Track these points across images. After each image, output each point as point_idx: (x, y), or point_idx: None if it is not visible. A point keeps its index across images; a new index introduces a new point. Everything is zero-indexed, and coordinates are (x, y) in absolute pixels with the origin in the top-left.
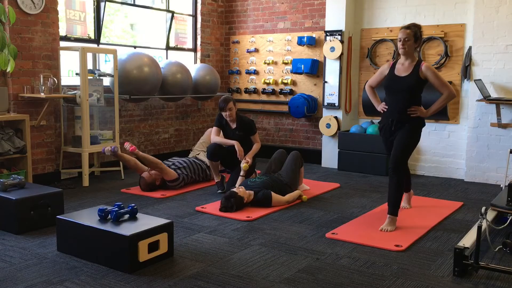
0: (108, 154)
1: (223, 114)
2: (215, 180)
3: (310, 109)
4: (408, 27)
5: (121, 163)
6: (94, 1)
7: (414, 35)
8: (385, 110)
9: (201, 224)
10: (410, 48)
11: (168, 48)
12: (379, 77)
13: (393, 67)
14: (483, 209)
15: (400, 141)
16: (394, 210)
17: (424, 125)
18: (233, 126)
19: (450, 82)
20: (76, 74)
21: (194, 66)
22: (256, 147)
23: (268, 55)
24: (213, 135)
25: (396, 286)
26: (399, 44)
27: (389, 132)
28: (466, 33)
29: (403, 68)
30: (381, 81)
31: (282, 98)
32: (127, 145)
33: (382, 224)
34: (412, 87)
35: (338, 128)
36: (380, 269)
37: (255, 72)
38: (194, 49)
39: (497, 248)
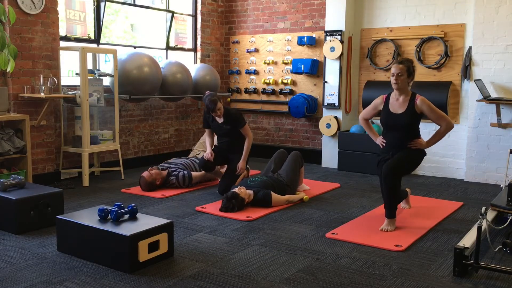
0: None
1: (213, 114)
2: (219, 180)
3: (310, 109)
4: (401, 62)
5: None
6: (94, 1)
7: (407, 70)
8: (384, 144)
9: (201, 224)
10: (403, 83)
11: (168, 48)
12: (373, 111)
13: (387, 102)
14: (483, 209)
15: (399, 155)
16: (391, 213)
17: (425, 154)
18: (220, 120)
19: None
20: (76, 74)
21: (194, 66)
22: (246, 145)
23: (268, 55)
24: (207, 137)
25: (396, 286)
26: (392, 79)
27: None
28: (466, 33)
29: (398, 104)
30: (374, 114)
31: (282, 98)
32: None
33: (382, 224)
34: (409, 124)
35: (338, 128)
36: (380, 269)
37: (255, 72)
38: (194, 49)
39: (497, 248)
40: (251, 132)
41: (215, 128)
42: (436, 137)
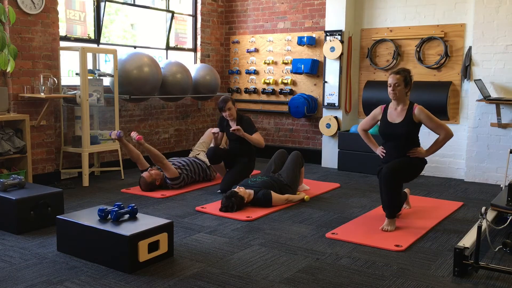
0: (113, 137)
1: (223, 114)
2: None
3: (310, 109)
4: (397, 72)
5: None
6: (94, 1)
7: (404, 79)
8: (384, 154)
9: (201, 224)
10: (400, 93)
11: (168, 48)
12: (372, 122)
13: (385, 112)
14: (483, 209)
15: (399, 159)
16: (391, 214)
17: (426, 162)
18: (233, 125)
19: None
20: (76, 74)
21: (194, 66)
22: (256, 136)
23: (268, 55)
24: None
25: (396, 286)
26: (390, 90)
27: None
28: (466, 33)
29: (396, 113)
30: (373, 124)
31: (282, 98)
32: (133, 134)
33: (382, 224)
34: (408, 133)
35: (338, 128)
36: (380, 269)
37: (255, 72)
38: (194, 49)
39: (497, 248)
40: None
41: (227, 132)
42: (435, 146)
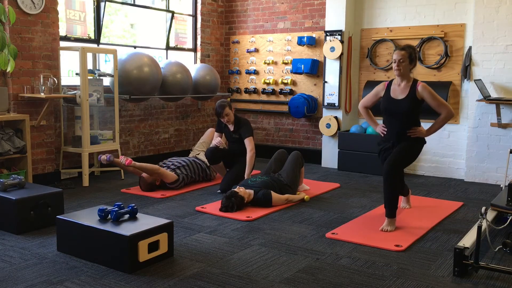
0: (104, 162)
1: (221, 119)
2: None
3: (310, 109)
4: (402, 48)
5: None
6: (94, 1)
7: (409, 56)
8: (385, 132)
9: (201, 224)
10: (405, 69)
11: (168, 48)
12: (374, 98)
13: (388, 88)
14: (483, 209)
15: (399, 149)
16: (391, 213)
17: (425, 142)
18: (231, 128)
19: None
20: (76, 74)
21: (194, 66)
22: (248, 160)
23: (268, 55)
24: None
25: (396, 286)
26: (394, 66)
27: (389, 153)
28: (466, 33)
29: (399, 89)
30: (375, 102)
31: (282, 98)
32: (122, 159)
33: (382, 224)
34: (410, 110)
35: (338, 128)
36: (380, 269)
37: (255, 72)
38: (194, 49)
39: (497, 248)
40: (254, 145)
41: (226, 135)
42: (436, 125)
